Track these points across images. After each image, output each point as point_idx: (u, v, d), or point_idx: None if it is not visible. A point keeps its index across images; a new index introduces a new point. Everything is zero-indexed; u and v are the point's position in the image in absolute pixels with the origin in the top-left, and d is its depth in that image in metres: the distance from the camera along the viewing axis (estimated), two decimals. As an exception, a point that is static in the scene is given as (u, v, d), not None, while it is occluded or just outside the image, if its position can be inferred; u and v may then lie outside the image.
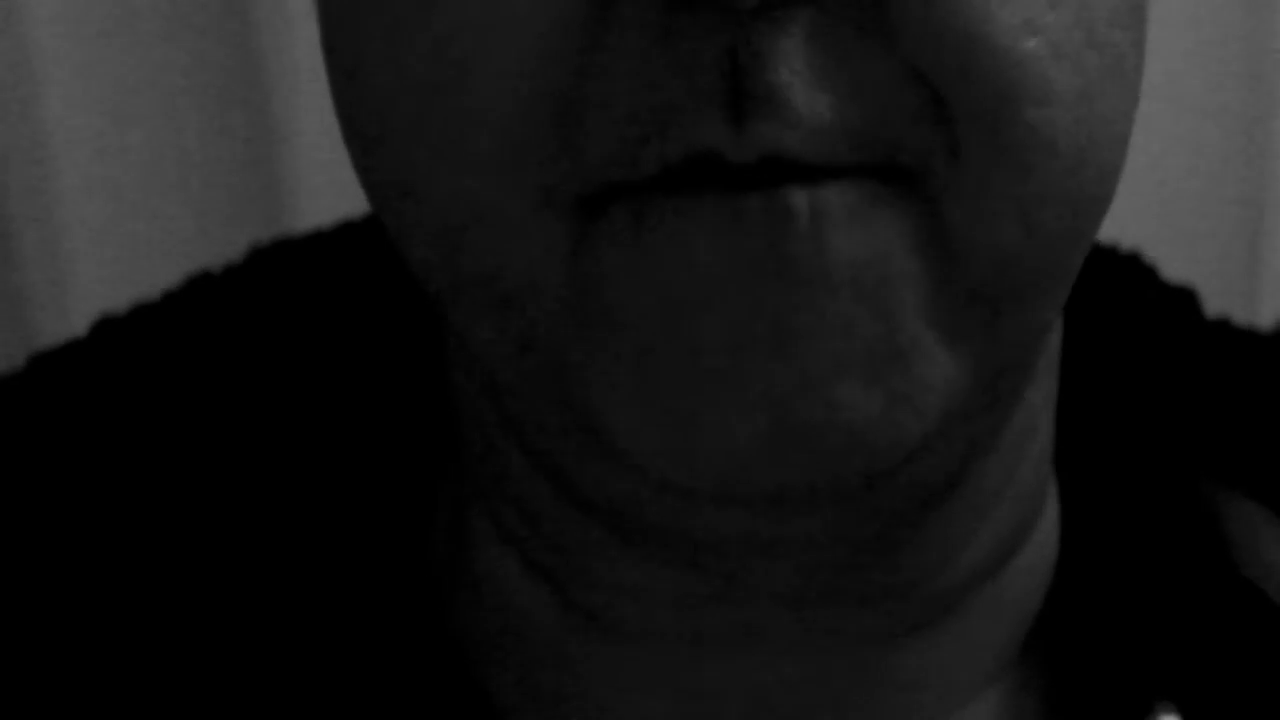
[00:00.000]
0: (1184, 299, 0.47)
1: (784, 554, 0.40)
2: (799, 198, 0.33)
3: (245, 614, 0.42)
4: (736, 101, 0.33)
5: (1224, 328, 0.47)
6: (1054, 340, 0.42)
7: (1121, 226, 0.46)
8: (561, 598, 0.41)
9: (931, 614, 0.41)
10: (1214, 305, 0.49)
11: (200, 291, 0.47)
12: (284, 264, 0.47)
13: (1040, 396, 0.42)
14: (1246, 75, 0.75)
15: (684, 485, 0.35)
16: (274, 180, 0.75)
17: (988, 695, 0.42)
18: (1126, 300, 0.47)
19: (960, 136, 0.33)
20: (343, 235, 0.48)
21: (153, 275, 0.51)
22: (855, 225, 0.33)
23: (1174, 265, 0.49)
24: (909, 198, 0.34)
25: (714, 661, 0.41)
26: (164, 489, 0.44)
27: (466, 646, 0.42)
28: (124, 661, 0.41)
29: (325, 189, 0.75)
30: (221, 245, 0.70)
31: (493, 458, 0.42)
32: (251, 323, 0.46)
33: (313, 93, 0.73)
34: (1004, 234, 0.34)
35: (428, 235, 0.36)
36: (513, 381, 0.37)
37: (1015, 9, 0.33)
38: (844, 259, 0.33)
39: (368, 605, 0.42)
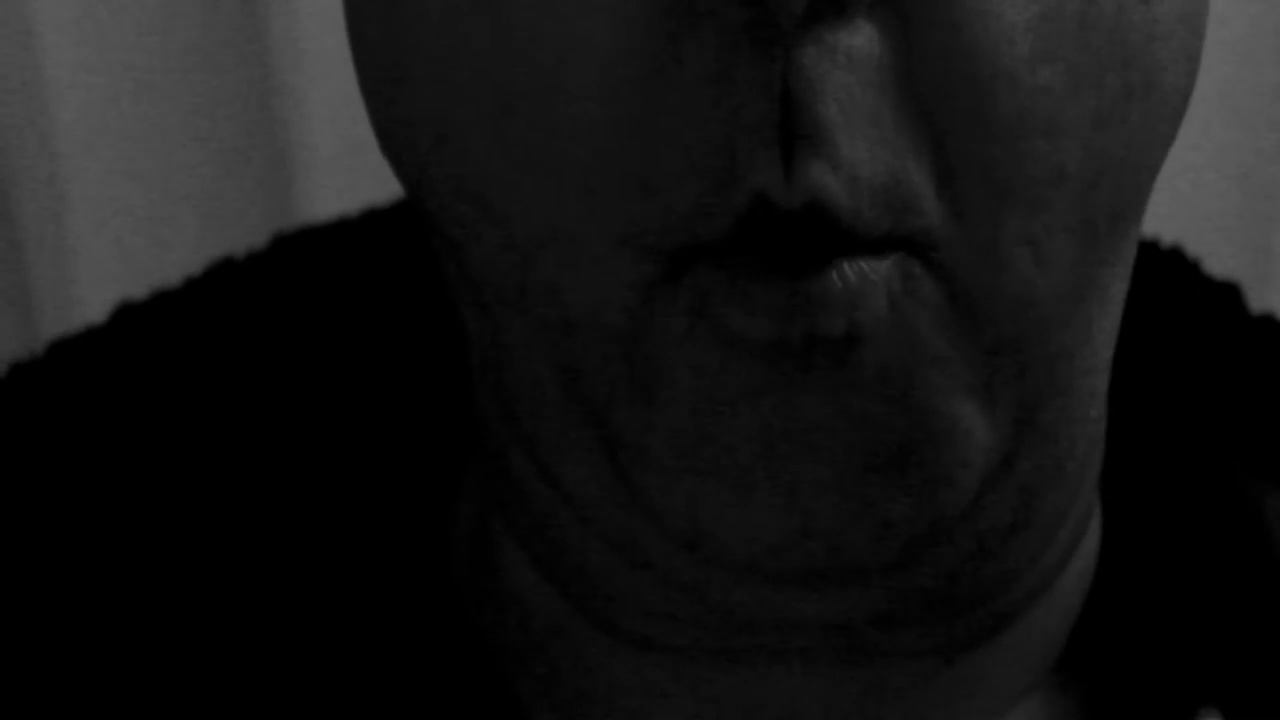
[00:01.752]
0: (1228, 294, 0.47)
1: (826, 594, 0.39)
2: (836, 322, 0.33)
3: (267, 612, 0.41)
4: (787, 139, 0.32)
5: (1269, 323, 0.47)
6: (1105, 351, 0.41)
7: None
8: (582, 610, 0.41)
9: (985, 632, 0.40)
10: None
11: (223, 278, 0.46)
12: (308, 251, 0.47)
13: (1095, 413, 0.41)
14: (1263, 68, 0.75)
15: (707, 556, 0.35)
16: (284, 174, 0.75)
17: (1029, 700, 0.42)
18: (1170, 296, 0.46)
19: (965, 192, 0.33)
20: (368, 223, 0.47)
21: (159, 269, 0.50)
22: (886, 335, 0.33)
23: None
24: (928, 269, 0.33)
25: (745, 674, 0.40)
26: (183, 480, 0.43)
27: (491, 649, 0.42)
28: (144, 660, 0.41)
29: (336, 181, 0.74)
30: (229, 239, 0.70)
31: (510, 474, 0.41)
32: (274, 311, 0.45)
33: (323, 84, 0.73)
34: (1018, 272, 0.33)
35: (499, 246, 0.35)
36: (549, 405, 0.36)
37: (1042, 36, 0.32)
38: (873, 359, 0.33)
39: (391, 603, 0.41)
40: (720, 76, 0.32)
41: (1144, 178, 0.35)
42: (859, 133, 0.32)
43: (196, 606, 0.41)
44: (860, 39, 0.32)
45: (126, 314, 0.45)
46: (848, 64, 0.32)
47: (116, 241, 0.75)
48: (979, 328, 0.34)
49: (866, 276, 0.33)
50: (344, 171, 0.73)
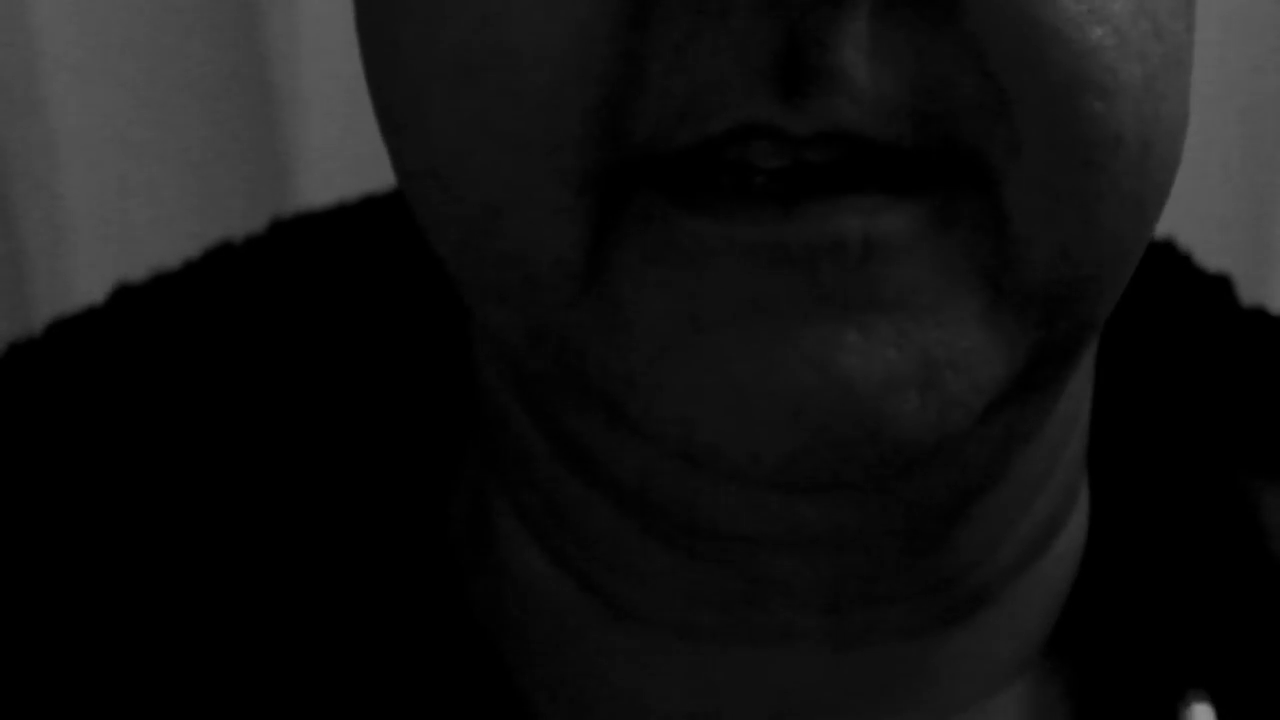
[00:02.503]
0: (1220, 287, 0.47)
1: (813, 552, 0.39)
2: (852, 224, 0.33)
3: (262, 591, 0.41)
4: (793, 80, 0.32)
5: (1260, 316, 0.47)
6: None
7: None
8: (583, 585, 0.41)
9: (968, 607, 0.41)
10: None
11: (221, 262, 0.46)
12: (307, 236, 0.47)
13: (1080, 385, 0.41)
14: (1258, 71, 0.75)
15: (705, 465, 0.35)
16: (280, 169, 0.75)
17: (1016, 684, 0.42)
18: (1162, 288, 0.47)
19: (1021, 131, 0.33)
20: (367, 209, 0.47)
21: (155, 259, 0.50)
22: (914, 253, 0.33)
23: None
24: (972, 200, 0.33)
25: (741, 654, 0.40)
26: (181, 461, 0.43)
27: (489, 629, 0.42)
28: (139, 635, 0.41)
29: (332, 175, 0.74)
30: (225, 229, 0.70)
31: (515, 443, 0.41)
32: (272, 294, 0.45)
33: (320, 77, 0.73)
34: (1065, 231, 0.34)
35: (459, 216, 0.35)
36: (531, 364, 0.37)
37: None
38: (897, 286, 0.33)
39: (388, 586, 0.42)
40: (711, 19, 0.32)
41: (1178, 156, 0.36)
42: (885, 63, 0.32)
43: (194, 585, 0.41)
44: None
45: (125, 295, 0.45)
46: (867, 13, 0.32)
47: (112, 231, 0.75)
48: (1018, 272, 0.34)
49: (875, 221, 0.33)
50: (340, 166, 0.73)
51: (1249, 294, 0.48)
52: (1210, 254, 0.49)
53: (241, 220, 0.72)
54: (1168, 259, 0.47)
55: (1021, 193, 0.33)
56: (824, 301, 0.33)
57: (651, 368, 0.34)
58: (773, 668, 0.40)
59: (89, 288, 0.73)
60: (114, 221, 0.75)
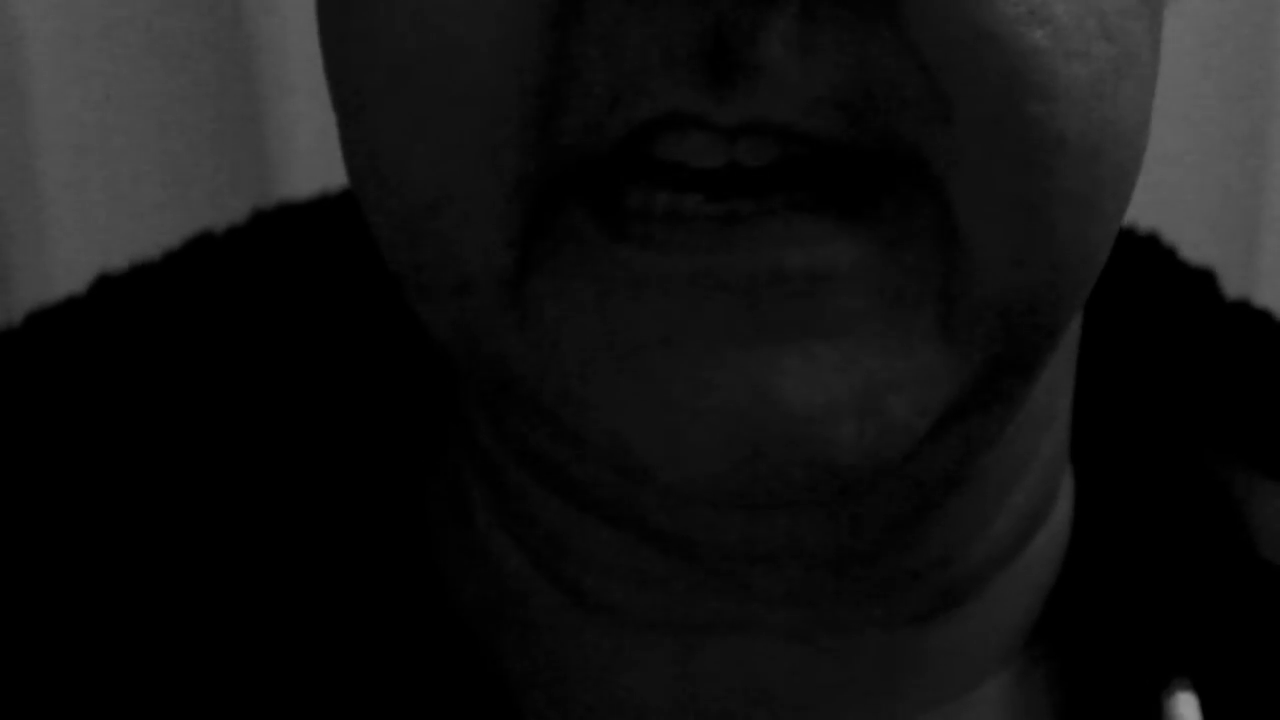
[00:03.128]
0: (1203, 280, 0.47)
1: (774, 557, 0.39)
2: (793, 255, 0.32)
3: (241, 583, 0.41)
4: (720, 71, 0.32)
5: (1244, 309, 0.47)
6: (1074, 325, 0.41)
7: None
8: (551, 576, 0.41)
9: (945, 602, 0.41)
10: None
11: (201, 251, 0.46)
12: (288, 227, 0.47)
13: (1059, 380, 0.41)
14: (1245, 66, 0.75)
15: (645, 479, 0.34)
16: (261, 162, 0.75)
17: (999, 676, 0.42)
18: (1146, 281, 0.46)
19: (963, 133, 0.32)
20: (349, 199, 0.47)
21: (137, 249, 0.50)
22: (859, 281, 0.33)
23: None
24: (919, 212, 0.33)
25: (714, 646, 0.40)
26: (159, 452, 0.43)
27: (469, 617, 0.42)
28: (117, 622, 0.41)
29: (314, 167, 0.74)
30: (208, 218, 0.70)
31: (472, 435, 0.41)
32: (253, 285, 0.45)
33: (302, 67, 0.73)
34: (1015, 237, 0.33)
35: (396, 212, 0.35)
36: (465, 369, 0.37)
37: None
38: (842, 314, 0.33)
39: (368, 574, 0.41)
40: (637, 13, 0.32)
41: (1135, 158, 0.35)
42: (816, 61, 0.32)
43: (174, 575, 0.41)
44: None
45: (105, 286, 0.45)
46: (797, 10, 0.32)
47: (93, 227, 0.75)
48: (971, 279, 0.33)
49: (819, 250, 0.33)
50: (322, 158, 0.73)
51: (1231, 287, 0.48)
52: (1193, 247, 0.49)
53: (224, 213, 0.73)
54: (1152, 253, 0.47)
55: (967, 197, 0.33)
56: (762, 327, 0.33)
57: (580, 386, 0.34)
58: (747, 659, 0.40)
59: (71, 281, 0.73)
60: (97, 214, 0.74)
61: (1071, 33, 0.33)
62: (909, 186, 0.33)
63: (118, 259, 0.71)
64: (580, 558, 0.40)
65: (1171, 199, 0.72)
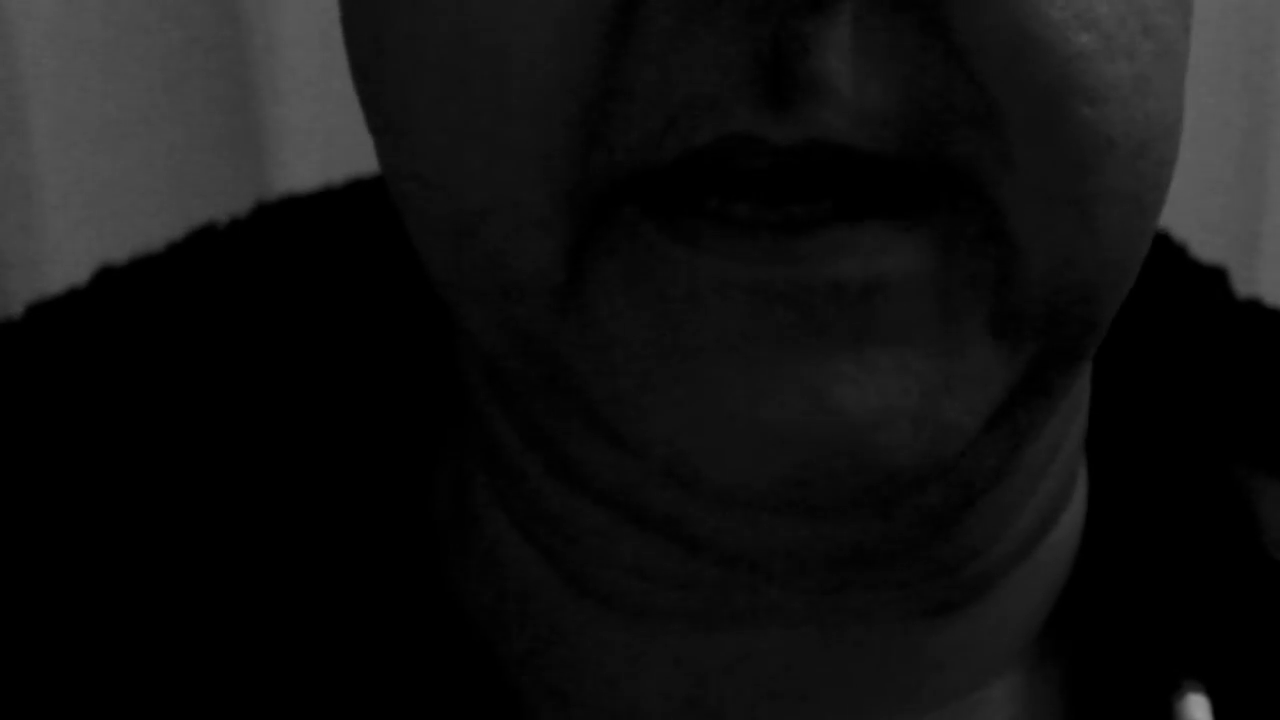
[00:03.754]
0: (1215, 279, 0.47)
1: (802, 552, 0.39)
2: (850, 267, 0.32)
3: (243, 577, 0.41)
4: (777, 88, 0.32)
5: (1255, 308, 0.47)
6: None
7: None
8: (560, 571, 0.41)
9: (962, 596, 0.40)
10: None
11: (204, 244, 0.46)
12: (291, 219, 0.46)
13: (1082, 376, 0.41)
14: (1244, 72, 0.75)
15: (692, 487, 0.35)
16: (258, 155, 0.75)
17: (1011, 672, 0.42)
18: (1157, 279, 0.46)
19: (1013, 140, 0.33)
20: (352, 192, 0.47)
21: (133, 242, 0.50)
22: (915, 288, 0.33)
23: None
24: (971, 218, 0.33)
25: (726, 639, 0.40)
26: (161, 446, 0.43)
27: (474, 615, 0.42)
28: (117, 621, 0.40)
29: (310, 162, 0.74)
30: (203, 215, 0.70)
31: (492, 437, 0.41)
32: (256, 278, 0.45)
33: (298, 62, 0.73)
34: (1066, 238, 0.34)
35: (442, 218, 0.35)
36: (511, 367, 0.37)
37: (1068, 3, 0.32)
38: (898, 321, 0.33)
39: (371, 569, 0.41)
40: (694, 26, 0.32)
41: (1175, 152, 0.36)
42: (871, 75, 0.32)
43: (177, 571, 0.41)
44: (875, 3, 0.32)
45: (107, 277, 0.45)
46: (852, 21, 0.32)
47: (89, 220, 0.74)
48: (1021, 280, 0.34)
49: (877, 261, 0.33)
50: (319, 152, 0.73)
51: (1239, 286, 0.48)
52: (1199, 246, 0.48)
53: (220, 206, 0.73)
54: (1163, 250, 0.47)
55: (1018, 203, 0.33)
56: (820, 335, 0.33)
57: (636, 390, 0.34)
58: (760, 650, 0.40)
59: (65, 275, 0.73)
60: (91, 208, 0.74)
61: (1116, 33, 0.33)
62: (958, 193, 0.33)
63: (112, 251, 0.71)
64: (591, 551, 0.40)
65: (1176, 199, 0.72)
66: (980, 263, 0.34)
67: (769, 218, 0.33)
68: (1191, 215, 0.66)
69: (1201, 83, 0.73)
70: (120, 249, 0.67)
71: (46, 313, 0.45)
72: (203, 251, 0.46)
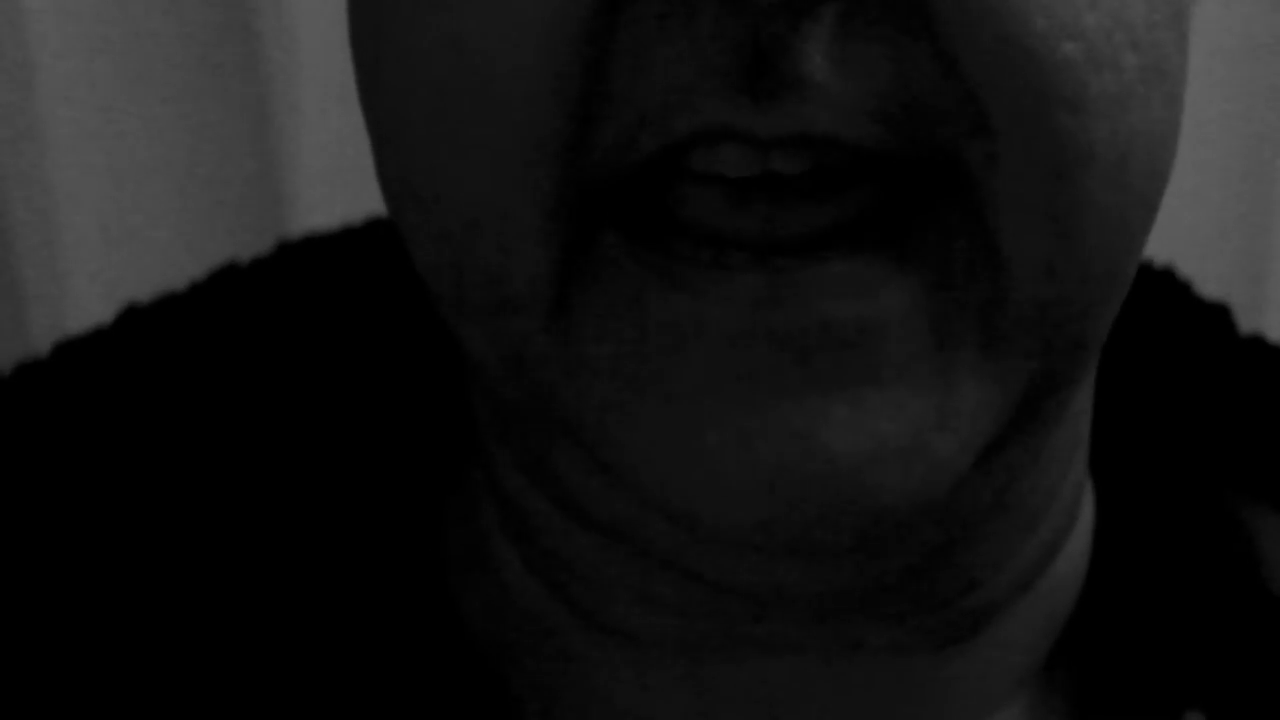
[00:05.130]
0: (1218, 315, 0.47)
1: (799, 589, 0.39)
2: (843, 308, 0.32)
3: (262, 610, 0.41)
4: (758, 83, 0.32)
5: (1258, 344, 0.47)
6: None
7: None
8: (565, 602, 0.41)
9: (966, 628, 0.41)
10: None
11: (227, 283, 0.46)
12: (312, 258, 0.47)
13: (1082, 407, 0.41)
14: (1255, 85, 0.75)
15: (684, 522, 0.35)
16: (274, 183, 0.75)
17: (1013, 702, 0.42)
18: (1161, 316, 0.47)
19: (999, 143, 0.33)
20: (372, 231, 0.48)
21: (151, 276, 0.50)
22: (909, 326, 0.33)
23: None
24: (957, 219, 0.33)
25: (729, 667, 0.40)
26: (185, 481, 0.43)
27: (483, 644, 0.42)
28: (140, 653, 0.41)
29: (326, 187, 0.74)
30: (221, 246, 0.70)
31: (490, 462, 0.41)
32: (278, 315, 0.46)
33: (315, 80, 0.73)
34: (1047, 246, 0.34)
35: (436, 233, 0.35)
36: (507, 393, 0.37)
37: (1052, 11, 0.32)
38: (893, 361, 0.33)
39: (384, 600, 0.42)
40: (675, 27, 0.32)
41: (1165, 168, 0.36)
42: (855, 73, 0.32)
43: (194, 603, 0.41)
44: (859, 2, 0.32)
45: (132, 316, 0.46)
46: (836, 21, 0.32)
47: (107, 236, 0.75)
48: (1007, 302, 0.34)
49: (872, 303, 0.33)
50: (333, 174, 0.73)
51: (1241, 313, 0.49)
52: (1203, 280, 0.49)
53: (235, 230, 0.73)
54: (1167, 286, 0.48)
55: (1004, 203, 0.33)
56: (811, 378, 0.33)
57: (620, 424, 0.34)
58: (766, 680, 0.40)
59: (83, 297, 0.73)
60: (108, 226, 0.75)
61: (1102, 45, 0.33)
62: (947, 207, 0.33)
63: (129, 269, 0.71)
64: (593, 580, 0.40)
65: (1176, 228, 0.72)
66: (969, 292, 0.34)
67: (754, 240, 0.33)
68: (1196, 251, 0.67)
69: (1209, 121, 0.73)
70: (140, 282, 0.67)
71: (72, 352, 0.45)
72: (225, 290, 0.46)
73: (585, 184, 0.33)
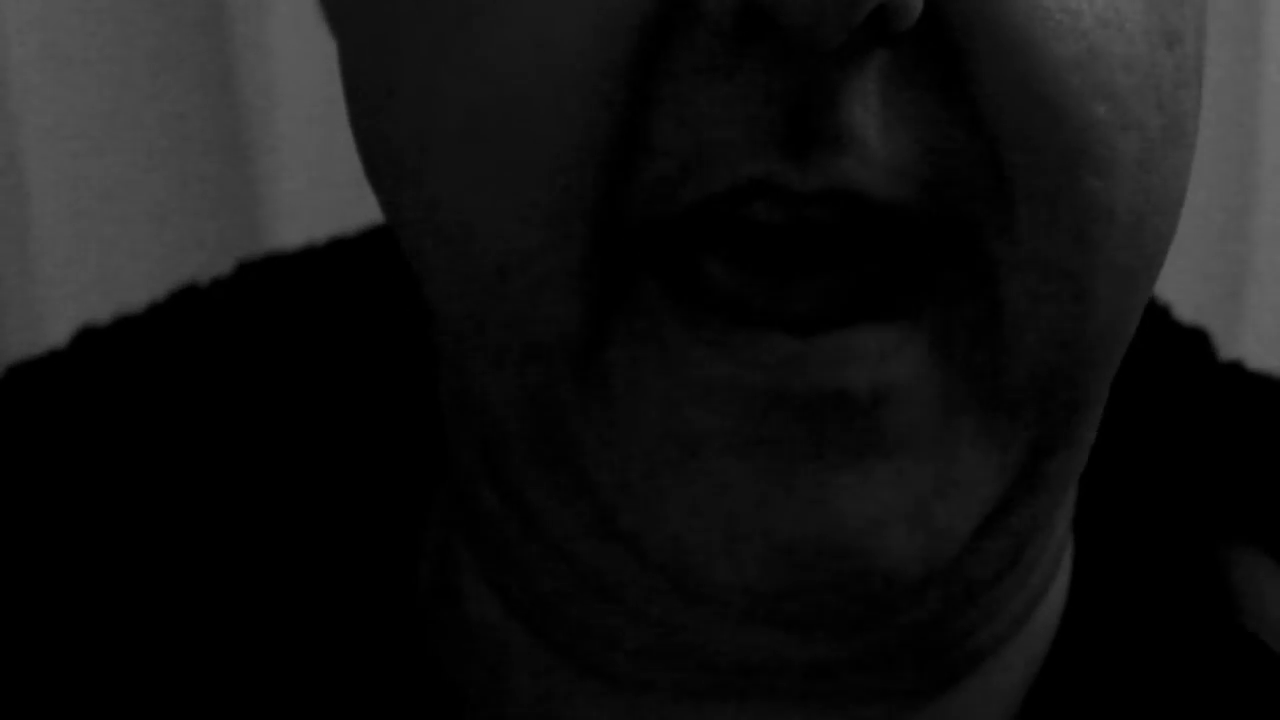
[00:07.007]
0: (1196, 342, 0.47)
1: (787, 660, 0.39)
2: (859, 376, 0.32)
3: (226, 654, 0.41)
4: (800, 138, 0.32)
5: (1236, 371, 0.47)
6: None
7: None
8: (543, 640, 0.40)
9: (953, 674, 0.40)
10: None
11: (185, 304, 0.46)
12: (273, 279, 0.46)
13: (1083, 461, 0.41)
14: (1233, 96, 0.76)
15: (690, 587, 0.34)
16: (251, 200, 0.75)
17: None
18: (1139, 341, 0.46)
19: (1016, 207, 0.33)
20: (335, 251, 0.47)
21: (127, 293, 0.50)
22: (918, 394, 0.33)
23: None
24: (967, 286, 0.33)
25: (713, 709, 0.39)
26: (142, 504, 0.42)
27: (452, 679, 0.41)
28: (107, 682, 0.40)
29: (303, 206, 0.74)
30: (190, 232, 0.70)
31: (470, 501, 0.41)
32: (239, 338, 0.45)
33: (287, 83, 0.73)
34: (1058, 311, 0.33)
35: (463, 275, 0.35)
36: (518, 441, 0.36)
37: (1089, 72, 0.32)
38: (900, 430, 0.33)
39: (353, 634, 0.41)
40: (719, 78, 0.32)
41: (1173, 226, 0.35)
42: (896, 129, 0.32)
43: (154, 643, 0.41)
44: (900, 57, 0.32)
45: (88, 338, 0.45)
46: (879, 74, 0.32)
47: (79, 239, 0.74)
48: (1011, 371, 0.34)
49: (883, 369, 0.33)
50: (311, 205, 0.73)
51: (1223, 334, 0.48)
52: (1181, 306, 0.48)
53: (206, 216, 0.73)
54: (1146, 312, 0.47)
55: (1016, 271, 0.33)
56: (825, 448, 0.33)
57: (643, 478, 0.34)
58: None
59: (59, 329, 0.73)
60: (84, 257, 0.74)
61: (1133, 105, 0.33)
62: (956, 272, 0.33)
63: (102, 267, 0.71)
64: (574, 623, 0.40)
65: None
66: (972, 357, 0.33)
67: (779, 309, 0.33)
68: (1173, 274, 0.66)
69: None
70: (111, 269, 0.67)
71: (27, 374, 0.44)
72: (184, 312, 0.45)
73: (622, 233, 0.33)
